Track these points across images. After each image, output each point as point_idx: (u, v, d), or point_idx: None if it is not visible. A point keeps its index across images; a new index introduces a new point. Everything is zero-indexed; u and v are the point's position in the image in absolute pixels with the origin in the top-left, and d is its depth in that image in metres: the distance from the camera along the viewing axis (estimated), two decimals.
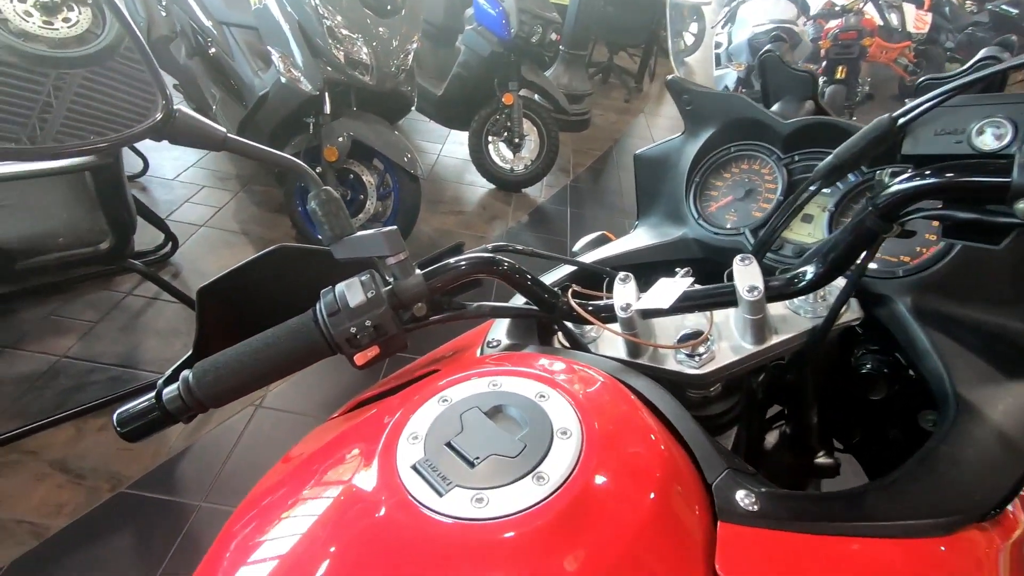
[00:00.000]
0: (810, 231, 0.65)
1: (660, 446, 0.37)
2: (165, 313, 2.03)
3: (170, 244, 2.27)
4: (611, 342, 0.58)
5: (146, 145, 2.93)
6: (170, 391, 0.48)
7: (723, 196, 0.72)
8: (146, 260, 2.22)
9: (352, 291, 0.48)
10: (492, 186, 3.26)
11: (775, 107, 0.73)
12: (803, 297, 0.52)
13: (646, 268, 0.70)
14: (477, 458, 0.35)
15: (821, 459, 0.65)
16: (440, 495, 0.33)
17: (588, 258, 0.74)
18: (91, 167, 1.34)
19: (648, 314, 0.53)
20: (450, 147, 3.69)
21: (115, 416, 0.47)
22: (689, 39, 7.40)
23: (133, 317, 2.00)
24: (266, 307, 0.57)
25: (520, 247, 0.61)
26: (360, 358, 0.48)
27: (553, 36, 2.97)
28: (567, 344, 0.60)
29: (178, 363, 0.53)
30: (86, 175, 1.47)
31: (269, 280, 0.56)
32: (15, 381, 1.70)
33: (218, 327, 0.57)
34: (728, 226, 0.70)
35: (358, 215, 2.34)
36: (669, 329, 0.56)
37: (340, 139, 2.19)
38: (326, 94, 2.18)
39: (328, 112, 2.21)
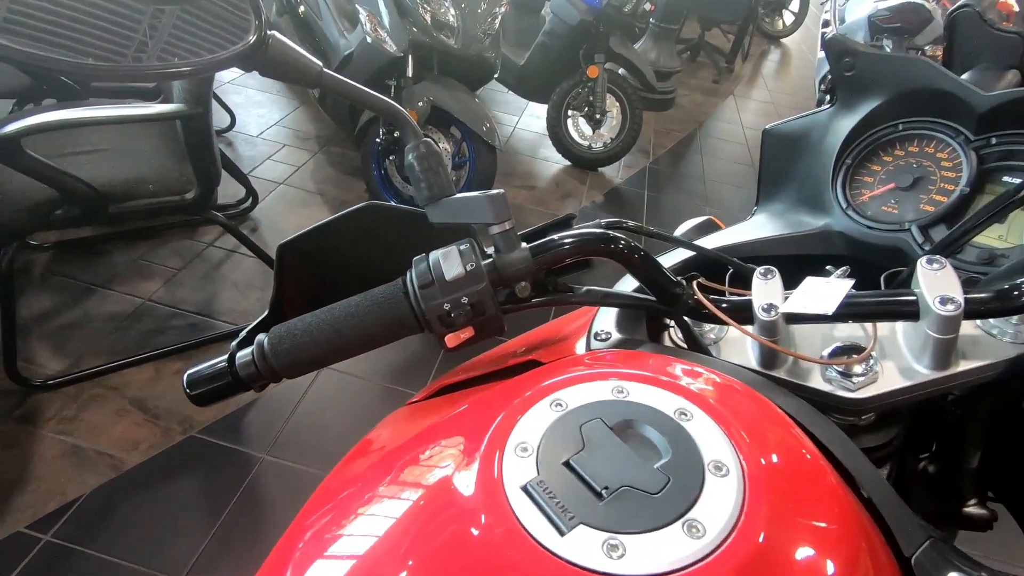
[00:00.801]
0: (1001, 233, 0.53)
1: (842, 498, 0.28)
2: (242, 266, 2.08)
3: (251, 199, 2.32)
4: (737, 346, 0.49)
5: (233, 101, 3.01)
6: (243, 355, 0.43)
7: (881, 183, 0.60)
8: (227, 213, 2.29)
9: (448, 261, 0.41)
10: (567, 163, 3.15)
11: (966, 76, 0.60)
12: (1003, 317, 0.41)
13: (775, 262, 0.60)
14: (606, 488, 0.27)
15: (972, 508, 0.53)
16: (561, 532, 0.26)
17: (707, 241, 0.65)
18: (183, 116, 1.35)
19: (794, 319, 0.44)
20: (527, 120, 3.59)
21: (185, 377, 0.44)
22: (789, 18, 6.80)
23: (213, 267, 2.06)
24: (349, 270, 0.52)
25: (632, 223, 0.52)
26: (451, 339, 0.42)
27: (647, 6, 2.79)
28: (682, 344, 0.52)
29: (253, 324, 0.48)
30: (177, 124, 1.49)
31: (354, 240, 0.51)
32: (104, 319, 1.79)
33: (297, 287, 0.52)
34: (887, 220, 0.58)
35: None
36: (812, 339, 0.47)
37: (420, 104, 2.15)
38: (410, 56, 2.13)
39: (410, 75, 2.16)
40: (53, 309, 1.80)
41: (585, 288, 0.46)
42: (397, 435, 0.41)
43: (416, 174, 0.44)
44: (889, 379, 0.42)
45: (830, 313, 0.40)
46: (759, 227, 0.69)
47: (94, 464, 1.43)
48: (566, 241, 0.44)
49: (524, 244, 0.44)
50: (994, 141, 0.55)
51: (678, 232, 0.85)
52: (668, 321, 0.55)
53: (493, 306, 0.42)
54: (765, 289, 0.45)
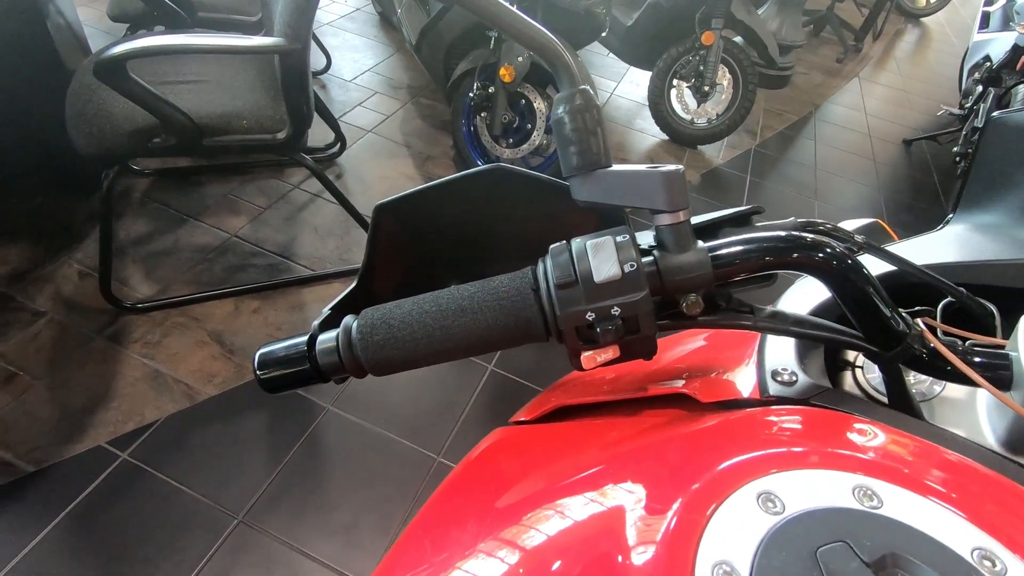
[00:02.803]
0: None
1: None
2: (324, 211, 2.07)
3: (339, 145, 2.30)
4: (961, 412, 0.36)
5: (331, 43, 2.99)
6: (326, 340, 0.35)
7: None
8: (315, 157, 2.28)
9: (600, 256, 0.31)
10: (665, 137, 2.93)
11: None
12: None
13: (997, 296, 0.46)
14: None
15: None
16: None
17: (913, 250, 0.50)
18: (281, 50, 1.30)
19: None
20: (625, 87, 3.37)
21: (258, 355, 0.36)
22: None
23: (296, 210, 2.06)
24: (459, 246, 0.42)
25: (831, 225, 0.39)
26: (589, 359, 0.32)
27: None
28: (878, 394, 0.39)
29: (339, 299, 0.40)
30: (275, 60, 1.45)
31: (469, 210, 0.41)
32: (193, 249, 1.83)
33: (392, 259, 0.43)
34: None
35: (521, 145, 2.19)
36: None
37: (519, 59, 2.01)
38: (514, 6, 1.99)
39: None
40: (147, 234, 1.86)
41: (770, 309, 0.35)
42: (514, 483, 0.32)
43: (566, 133, 0.34)
44: None
45: None
46: (962, 242, 0.54)
47: (171, 390, 1.47)
48: (758, 244, 0.32)
49: (700, 243, 0.33)
50: None
51: None
52: (853, 358, 0.42)
53: (650, 323, 0.31)
54: None
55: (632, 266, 0.31)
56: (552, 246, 0.33)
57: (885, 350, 0.34)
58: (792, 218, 0.38)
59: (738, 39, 2.75)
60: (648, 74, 2.86)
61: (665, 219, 0.32)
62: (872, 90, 4.09)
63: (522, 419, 0.42)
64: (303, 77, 1.39)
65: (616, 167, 0.34)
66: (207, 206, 1.99)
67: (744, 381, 0.36)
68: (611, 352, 0.32)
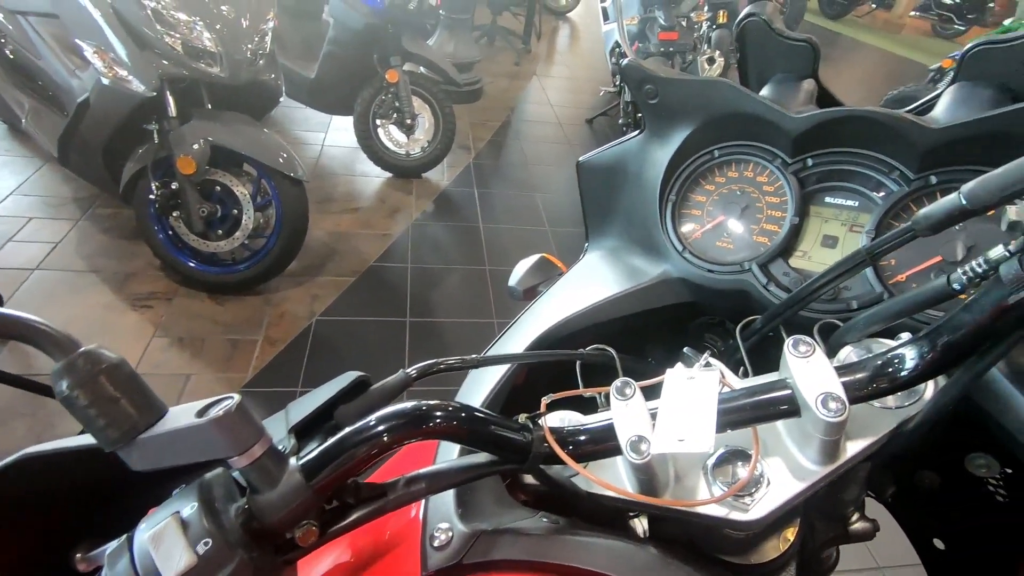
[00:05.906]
0: (837, 258, 0.50)
1: None
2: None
3: None
4: (607, 467, 0.40)
5: None
6: None
7: (710, 217, 0.55)
8: None
9: (164, 549, 0.26)
10: (389, 174, 2.97)
11: (765, 91, 0.56)
12: None
13: (625, 321, 0.52)
14: None
15: (857, 524, 0.51)
16: None
17: (543, 315, 0.55)
18: None
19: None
20: (334, 135, 3.32)
21: None
22: None
23: None
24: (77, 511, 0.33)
25: (453, 360, 0.40)
26: None
27: (432, 1, 2.67)
28: (546, 480, 0.41)
29: None
30: None
31: (22, 507, 0.32)
32: None
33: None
34: (725, 260, 0.53)
35: (234, 233, 1.98)
36: None
37: (195, 146, 1.81)
38: (167, 93, 1.78)
39: (174, 115, 1.81)
40: None
41: (405, 478, 0.33)
42: None
43: (83, 410, 0.27)
44: (781, 486, 0.36)
45: (710, 451, 0.32)
46: (596, 272, 0.61)
47: None
48: (358, 441, 0.30)
49: (294, 462, 0.30)
50: (810, 163, 0.52)
51: (514, 280, 0.76)
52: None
53: None
54: (627, 415, 0.35)
55: (207, 543, 0.26)
56: (108, 552, 0.27)
57: (521, 464, 0.35)
58: (401, 370, 0.37)
59: (422, 69, 2.91)
60: (351, 119, 2.85)
61: (240, 462, 0.28)
62: (550, 83, 4.72)
63: None
64: None
65: (165, 425, 0.28)
66: None
67: (409, 559, 0.35)
68: None
